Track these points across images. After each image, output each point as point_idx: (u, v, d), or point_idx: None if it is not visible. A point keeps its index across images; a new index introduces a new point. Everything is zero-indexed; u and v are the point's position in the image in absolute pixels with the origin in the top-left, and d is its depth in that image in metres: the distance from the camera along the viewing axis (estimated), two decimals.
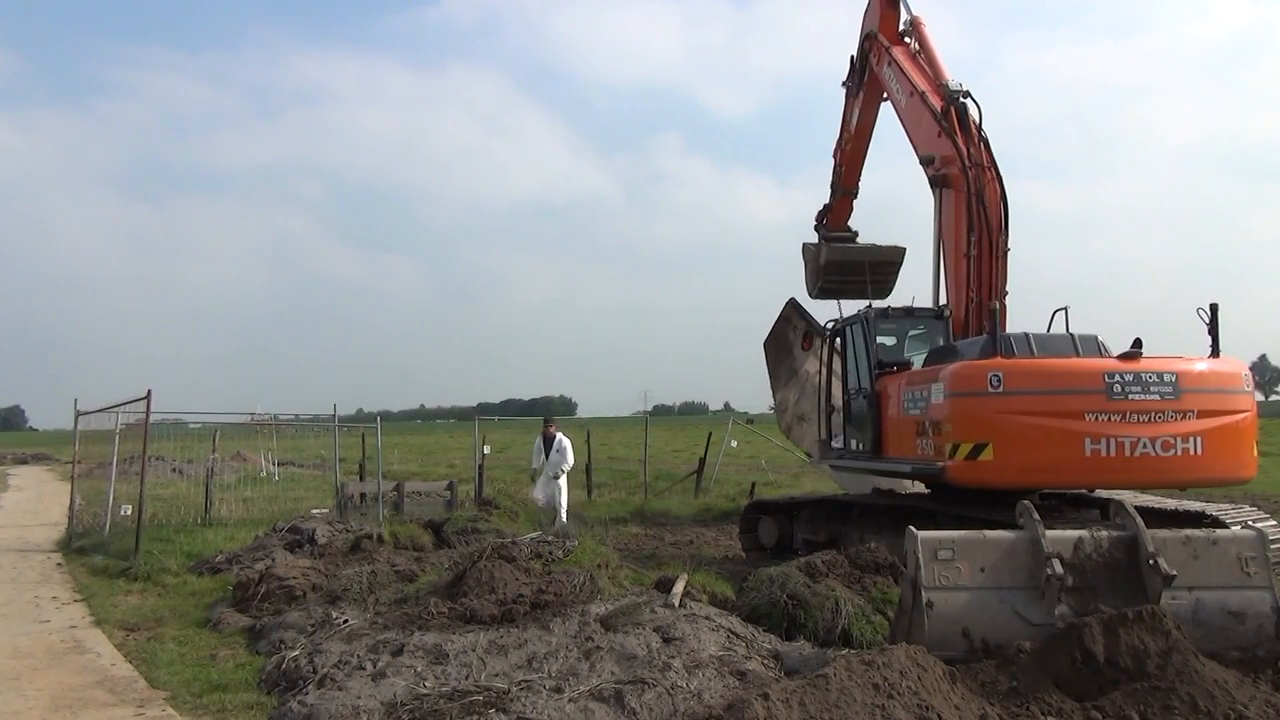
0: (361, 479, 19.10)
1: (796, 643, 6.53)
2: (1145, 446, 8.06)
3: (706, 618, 6.58)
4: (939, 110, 10.83)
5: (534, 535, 9.27)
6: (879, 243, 14.29)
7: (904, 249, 14.17)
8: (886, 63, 12.34)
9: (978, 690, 5.32)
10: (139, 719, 5.77)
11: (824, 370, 12.30)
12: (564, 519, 13.99)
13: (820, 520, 11.49)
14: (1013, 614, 5.94)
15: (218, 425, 18.88)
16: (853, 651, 5.74)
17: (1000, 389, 8.19)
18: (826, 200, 14.55)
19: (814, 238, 14.68)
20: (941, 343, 10.55)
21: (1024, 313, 10.10)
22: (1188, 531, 6.53)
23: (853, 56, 13.60)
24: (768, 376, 15.27)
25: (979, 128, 10.61)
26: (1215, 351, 8.60)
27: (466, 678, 5.75)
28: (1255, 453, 8.66)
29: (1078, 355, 8.60)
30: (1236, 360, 8.77)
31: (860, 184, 14.39)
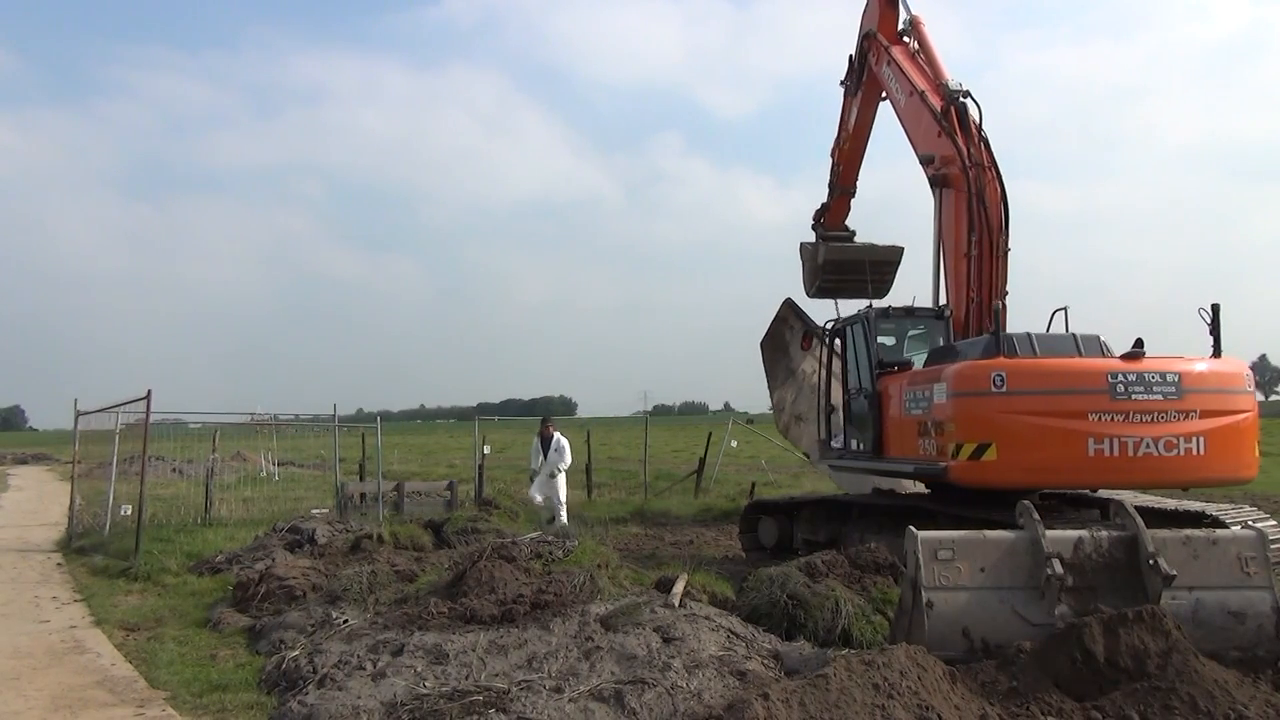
0: (361, 479, 19.09)
1: (796, 643, 6.53)
2: (1148, 446, 8.06)
3: (706, 618, 6.58)
4: (939, 110, 10.82)
5: (534, 535, 9.27)
6: (876, 242, 14.31)
7: (902, 248, 14.18)
8: (885, 62, 12.34)
9: (978, 690, 5.32)
10: (139, 719, 5.77)
11: (823, 370, 12.29)
12: (564, 519, 14.00)
13: (820, 520, 11.48)
14: (1013, 614, 5.94)
15: (218, 425, 18.87)
16: (853, 651, 5.74)
17: (1004, 389, 8.19)
18: (824, 199, 14.56)
19: (812, 237, 14.70)
20: (942, 343, 10.55)
21: (1024, 313, 10.11)
22: (1188, 531, 6.53)
23: (851, 56, 13.60)
24: (764, 376, 15.27)
25: (979, 127, 10.61)
26: (1217, 351, 8.60)
27: (466, 678, 5.75)
28: (1257, 453, 8.66)
29: (1080, 355, 8.59)
30: (1238, 360, 8.78)
31: (858, 183, 14.40)
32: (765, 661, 6.02)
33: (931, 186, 11.01)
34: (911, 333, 11.30)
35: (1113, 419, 8.07)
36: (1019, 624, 5.89)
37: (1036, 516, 6.24)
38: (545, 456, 14.38)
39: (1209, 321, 8.62)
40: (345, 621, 7.27)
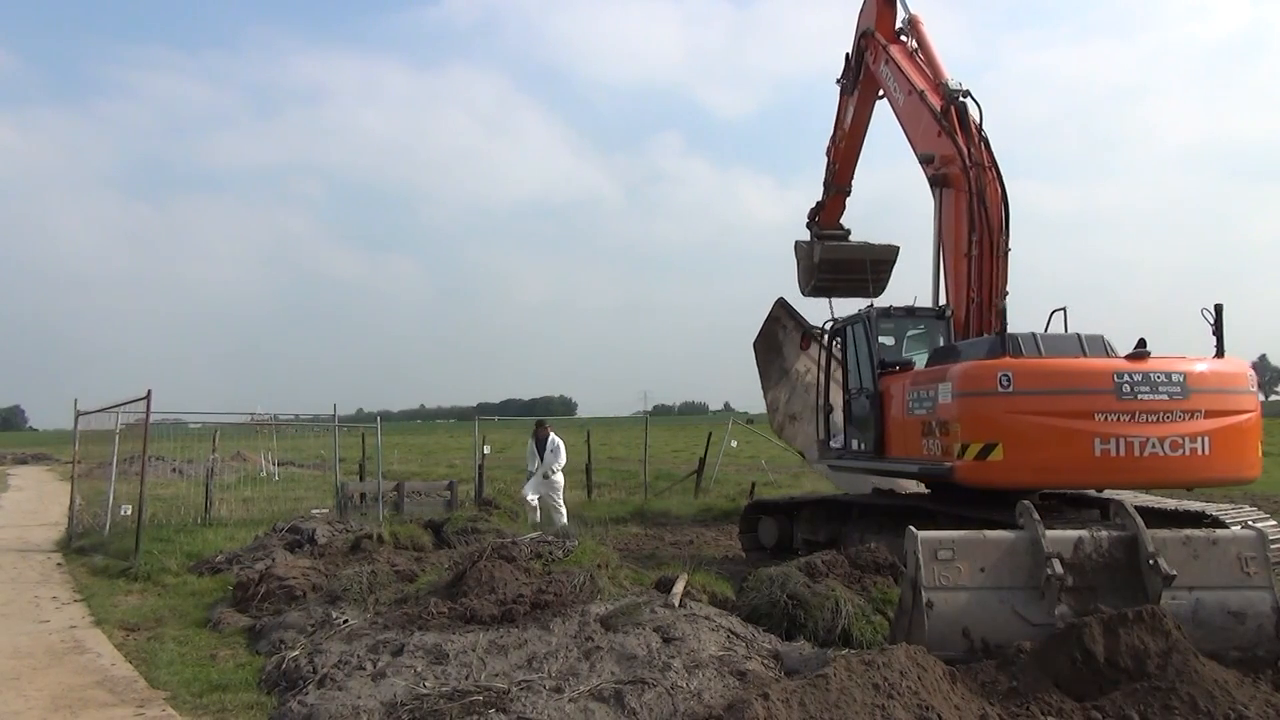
0: (361, 479, 19.09)
1: (796, 643, 6.53)
2: (1154, 446, 8.07)
3: (706, 618, 6.58)
4: (938, 109, 10.82)
5: (534, 535, 9.27)
6: (871, 241, 14.32)
7: (898, 247, 14.20)
8: (884, 61, 12.33)
9: (978, 690, 5.32)
10: (139, 719, 5.77)
11: (823, 370, 12.28)
12: (564, 519, 13.99)
13: (820, 520, 11.48)
14: (1013, 614, 5.94)
15: (218, 425, 18.87)
16: (853, 651, 5.74)
17: (1010, 389, 8.18)
18: (820, 198, 14.56)
19: (807, 236, 14.71)
20: (942, 343, 10.54)
21: (1024, 313, 10.09)
22: (1188, 531, 6.53)
23: (848, 54, 13.59)
24: (758, 377, 15.24)
25: (979, 127, 10.61)
26: (1220, 351, 8.61)
27: (466, 678, 5.75)
28: (1260, 452, 8.67)
29: (1084, 355, 8.60)
30: (1241, 360, 8.79)
31: (854, 182, 14.40)
32: (765, 661, 6.02)
33: (931, 186, 11.01)
34: (911, 333, 11.29)
35: (1119, 419, 8.07)
36: (1019, 624, 5.89)
37: (1036, 516, 6.24)
38: (541, 458, 14.37)
39: (1212, 322, 8.63)
40: (345, 621, 7.27)
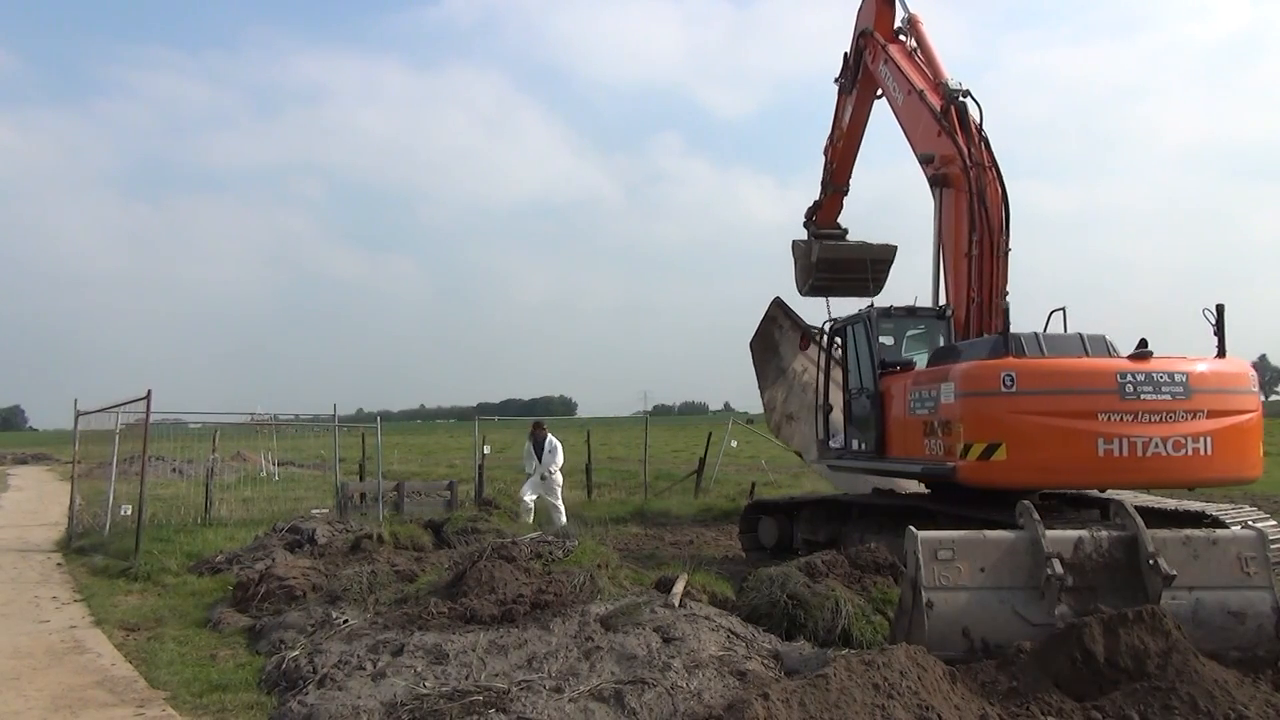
0: (361, 479, 19.08)
1: (796, 643, 6.53)
2: (1157, 446, 8.08)
3: (706, 618, 6.58)
4: (938, 109, 10.82)
5: (534, 535, 9.27)
6: (868, 240, 14.32)
7: (895, 247, 14.20)
8: (883, 60, 12.34)
9: (978, 690, 5.32)
10: (139, 719, 5.77)
11: (823, 370, 12.26)
12: (563, 518, 13.99)
13: (820, 520, 11.48)
14: (1013, 614, 5.94)
15: (218, 425, 18.88)
16: (853, 651, 5.74)
17: (1013, 389, 8.18)
18: (817, 197, 14.56)
19: (804, 235, 14.70)
20: (942, 342, 10.54)
21: (1023, 312, 10.11)
22: (1188, 531, 6.53)
23: (846, 53, 13.59)
24: (755, 376, 15.23)
25: (979, 127, 10.62)
26: (1221, 352, 8.62)
27: (466, 678, 5.75)
28: (1261, 452, 8.68)
29: (1086, 355, 8.60)
30: (1242, 360, 8.81)
31: (851, 181, 14.40)
32: (765, 661, 6.02)
33: (931, 186, 11.01)
34: (910, 332, 11.29)
35: (1122, 419, 8.08)
36: (1019, 624, 5.89)
37: (1036, 516, 6.24)
38: (539, 459, 14.34)
39: (1213, 322, 8.64)
40: (345, 621, 7.27)
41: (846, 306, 14.16)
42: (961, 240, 10.41)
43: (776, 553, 11.47)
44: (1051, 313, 9.50)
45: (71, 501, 15.23)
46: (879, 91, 12.89)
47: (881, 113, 13.08)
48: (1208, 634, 5.84)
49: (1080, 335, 8.89)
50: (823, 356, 12.27)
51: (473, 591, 7.23)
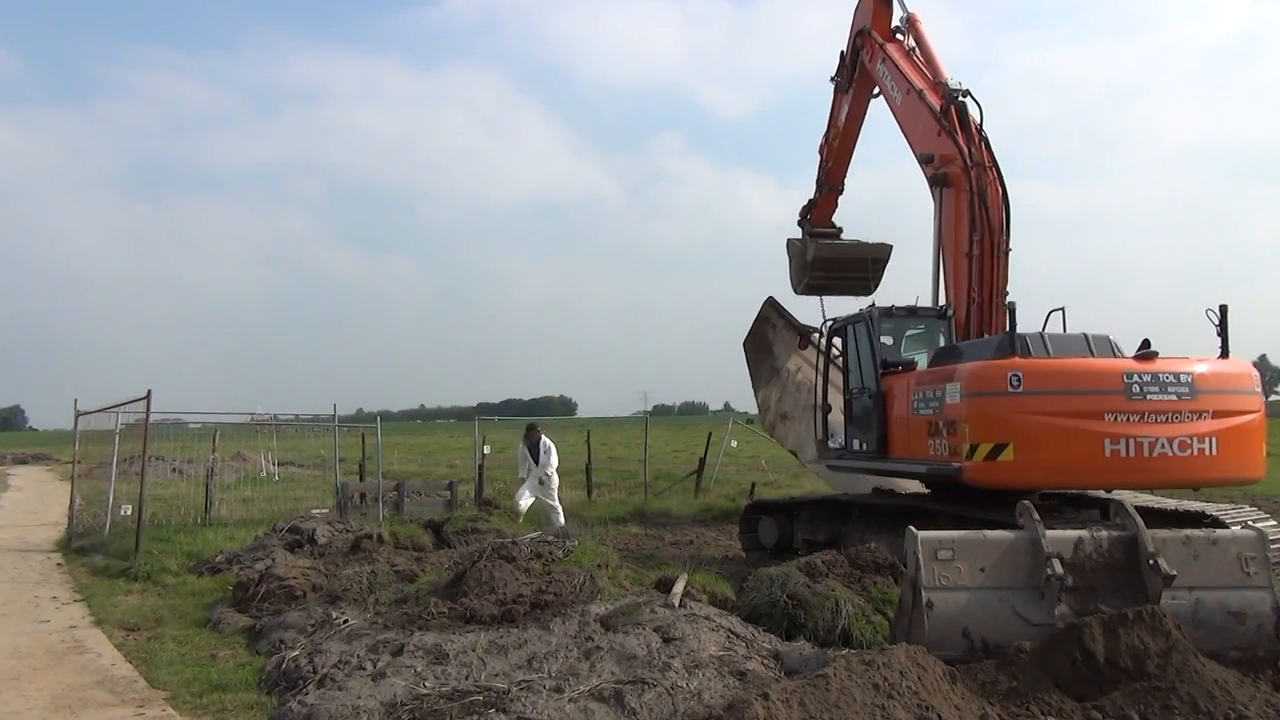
0: (361, 479, 19.08)
1: (796, 643, 6.53)
2: (1163, 447, 8.08)
3: (706, 618, 6.58)
4: (938, 108, 10.82)
5: (534, 535, 9.27)
6: (862, 239, 14.33)
7: (890, 246, 14.21)
8: (880, 59, 12.33)
9: (978, 690, 5.32)
10: (139, 719, 5.77)
11: (823, 370, 12.25)
12: (561, 518, 13.97)
13: (820, 520, 11.48)
14: (1013, 614, 5.94)
15: (218, 425, 18.87)
16: (853, 651, 5.74)
17: (1020, 389, 8.18)
18: (812, 195, 14.56)
19: (798, 234, 14.71)
20: (943, 342, 10.54)
21: (1022, 312, 10.09)
22: (1188, 531, 6.53)
23: (843, 52, 13.59)
24: (749, 376, 15.21)
25: (979, 127, 10.62)
26: (1225, 352, 8.63)
27: (466, 678, 5.75)
28: (1264, 453, 8.69)
29: (1092, 355, 8.60)
30: (1245, 361, 8.82)
31: (846, 181, 14.41)
32: (765, 661, 6.02)
33: (930, 186, 11.02)
34: (910, 332, 11.29)
35: (1129, 419, 8.08)
36: (1019, 624, 5.89)
37: (1036, 516, 6.24)
38: (536, 462, 14.31)
39: (1217, 322, 8.65)
40: (345, 621, 7.27)
41: (840, 306, 14.22)
42: (962, 240, 10.41)
43: (776, 553, 11.47)
44: (1050, 313, 9.51)
45: (71, 501, 15.23)
46: (876, 90, 12.89)
47: (879, 112, 13.11)
48: (1208, 634, 5.84)
49: (1085, 335, 8.89)
50: (821, 357, 12.25)
51: (473, 591, 7.24)
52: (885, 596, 7.27)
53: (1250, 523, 9.26)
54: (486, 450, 19.37)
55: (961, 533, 6.32)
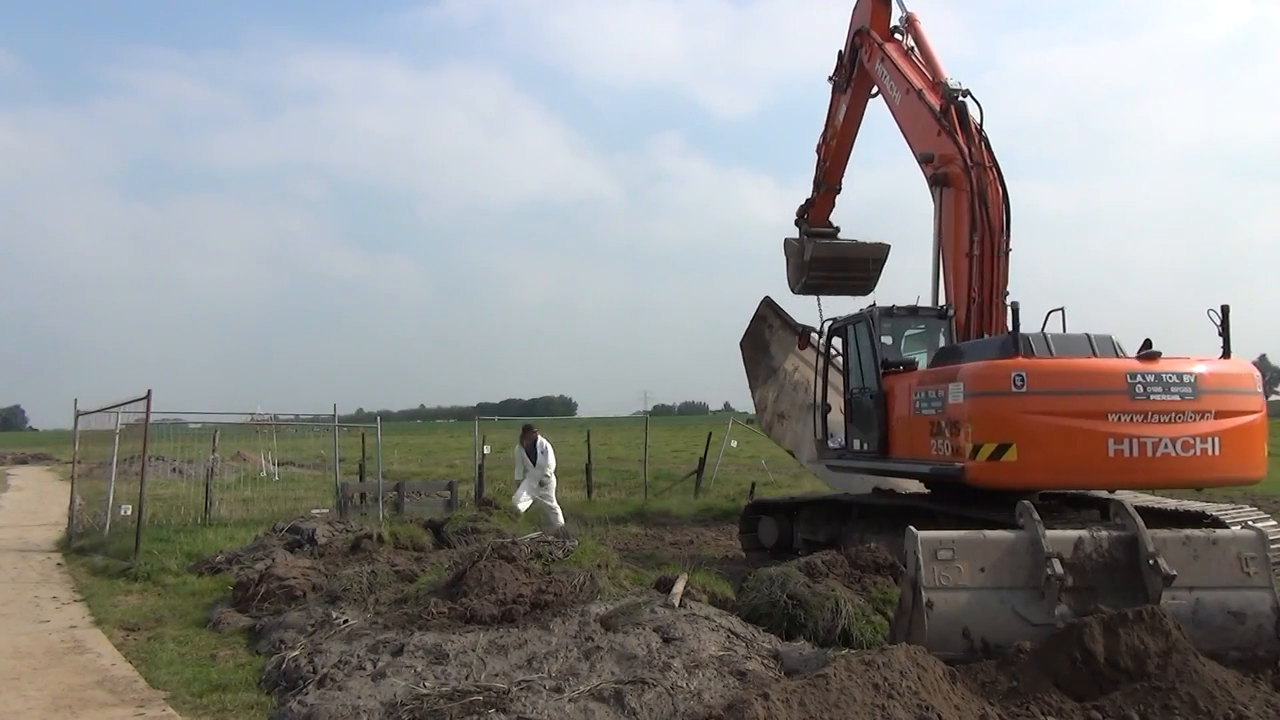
0: (361, 479, 19.08)
1: (796, 643, 6.53)
2: (1167, 447, 8.08)
3: (706, 618, 6.58)
4: (938, 108, 10.82)
5: (534, 535, 9.27)
6: (858, 239, 14.33)
7: (888, 246, 14.20)
8: (879, 59, 12.33)
9: (978, 690, 5.32)
10: (139, 719, 5.77)
11: (822, 370, 12.24)
12: (560, 518, 13.96)
13: (820, 520, 11.47)
14: (1013, 614, 5.94)
15: (218, 425, 18.86)
16: (853, 651, 5.74)
17: (1024, 389, 8.17)
18: (810, 195, 14.57)
19: (795, 234, 14.71)
20: (943, 342, 10.53)
21: (1021, 312, 10.11)
22: (1188, 531, 6.53)
23: (841, 52, 13.58)
24: (745, 376, 15.19)
25: (979, 127, 10.62)
26: (1226, 352, 8.63)
27: (466, 678, 5.75)
28: (1265, 453, 8.69)
29: (1094, 355, 8.59)
30: (1246, 361, 8.82)
31: (845, 180, 14.41)
32: (765, 661, 6.02)
33: (930, 186, 11.01)
34: (909, 332, 11.28)
35: (1132, 419, 8.08)
36: (1019, 624, 5.89)
37: (1036, 516, 6.24)
38: (534, 463, 14.29)
39: (1219, 323, 8.65)
40: (345, 621, 7.27)
41: (837, 305, 14.21)
42: (962, 240, 10.41)
43: (776, 553, 11.47)
44: (1050, 313, 9.50)
45: (71, 501, 15.23)
46: (874, 90, 12.88)
47: (879, 112, 13.10)
48: (1208, 634, 5.84)
49: (1088, 335, 8.88)
50: (820, 357, 12.23)
51: (473, 591, 7.23)
52: (885, 596, 7.27)
53: (1250, 523, 9.26)
54: (486, 450, 19.37)
55: (961, 533, 6.32)
